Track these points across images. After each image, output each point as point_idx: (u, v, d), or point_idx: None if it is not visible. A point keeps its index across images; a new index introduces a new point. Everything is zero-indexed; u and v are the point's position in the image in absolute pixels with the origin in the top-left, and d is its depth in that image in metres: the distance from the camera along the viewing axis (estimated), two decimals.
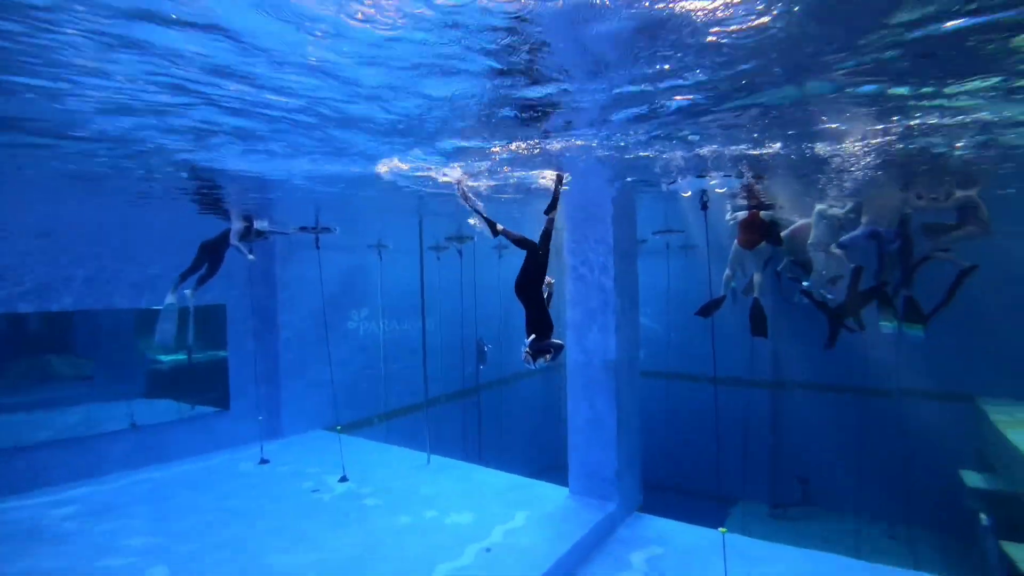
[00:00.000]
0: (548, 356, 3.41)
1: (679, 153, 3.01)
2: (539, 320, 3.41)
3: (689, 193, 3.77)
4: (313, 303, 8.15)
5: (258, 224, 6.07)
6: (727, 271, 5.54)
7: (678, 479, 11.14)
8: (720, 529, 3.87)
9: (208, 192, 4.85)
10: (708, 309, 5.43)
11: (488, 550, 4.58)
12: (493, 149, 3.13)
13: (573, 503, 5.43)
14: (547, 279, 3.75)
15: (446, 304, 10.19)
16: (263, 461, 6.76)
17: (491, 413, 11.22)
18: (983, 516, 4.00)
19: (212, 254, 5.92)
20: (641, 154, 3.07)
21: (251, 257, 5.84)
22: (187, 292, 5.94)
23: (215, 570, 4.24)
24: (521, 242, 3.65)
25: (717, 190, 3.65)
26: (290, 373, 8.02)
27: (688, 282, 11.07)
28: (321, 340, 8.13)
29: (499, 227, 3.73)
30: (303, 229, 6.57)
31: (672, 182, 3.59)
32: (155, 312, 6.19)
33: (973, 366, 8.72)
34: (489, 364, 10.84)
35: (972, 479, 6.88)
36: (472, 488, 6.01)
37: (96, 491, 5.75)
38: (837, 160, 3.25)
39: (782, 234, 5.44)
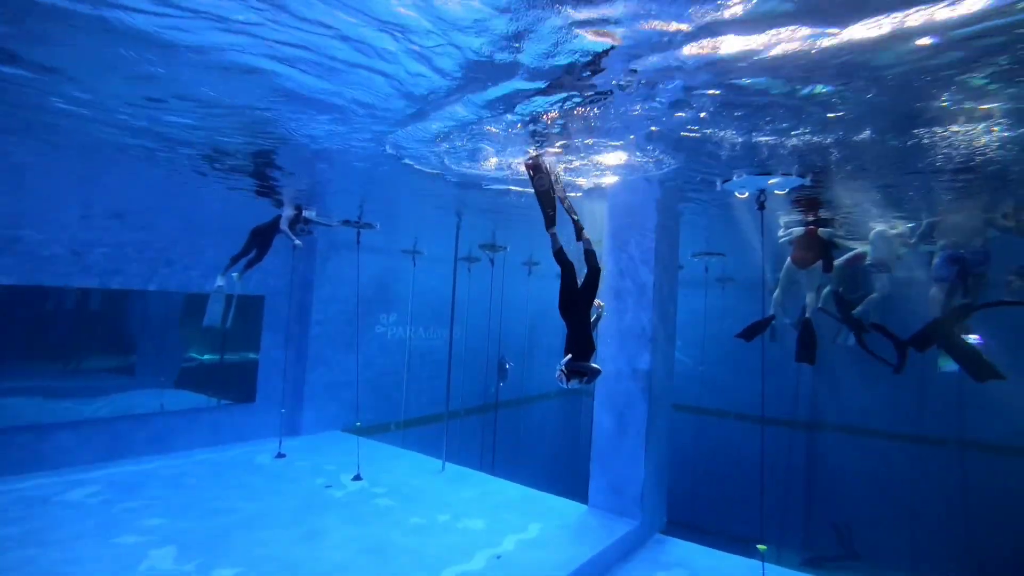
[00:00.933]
0: (584, 378, 3.32)
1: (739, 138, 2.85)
2: (581, 341, 3.33)
3: (746, 194, 3.65)
4: (345, 303, 8.35)
5: (306, 212, 6.32)
6: (777, 292, 5.32)
7: (702, 519, 10.43)
8: (759, 547, 3.55)
9: (268, 166, 5.02)
10: (753, 331, 5.14)
11: (499, 557, 4.37)
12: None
13: (592, 517, 5.14)
14: (597, 302, 3.68)
15: (472, 317, 10.20)
16: (280, 455, 6.75)
17: (507, 433, 10.92)
18: None
19: (262, 239, 6.18)
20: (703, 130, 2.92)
21: (298, 243, 6.06)
22: (235, 275, 6.18)
23: (223, 555, 4.19)
24: (590, 255, 3.53)
25: (776, 192, 3.52)
26: (315, 371, 8.11)
27: (724, 315, 10.78)
28: (349, 341, 8.25)
29: (585, 234, 3.57)
30: (346, 222, 6.78)
31: (727, 180, 3.51)
32: (202, 297, 6.41)
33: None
34: (510, 382, 10.67)
35: None
36: (486, 496, 5.80)
37: (116, 473, 5.81)
38: (943, 155, 2.99)
39: (836, 261, 5.18)
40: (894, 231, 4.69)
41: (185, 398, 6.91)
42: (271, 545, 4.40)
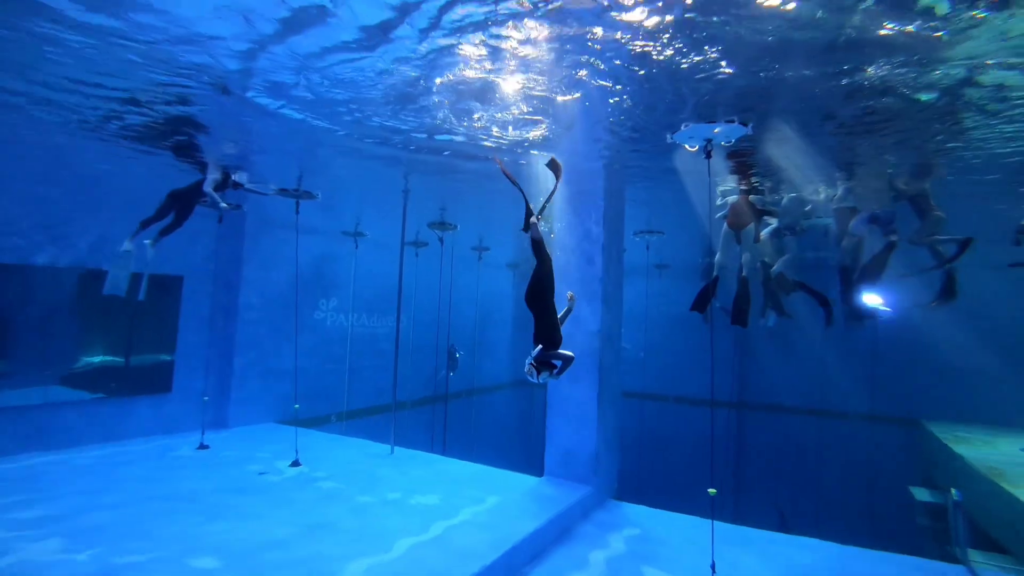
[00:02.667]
0: (554, 370, 3.29)
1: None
2: (549, 332, 3.29)
3: (696, 148, 3.82)
4: (280, 286, 7.73)
5: (236, 176, 5.78)
6: (718, 255, 5.65)
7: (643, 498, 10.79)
8: (710, 491, 3.67)
9: (190, 129, 4.58)
10: (704, 299, 5.39)
11: (454, 527, 4.18)
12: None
13: (548, 485, 5.08)
14: (569, 293, 3.70)
15: (421, 305, 9.89)
16: (202, 446, 6.05)
17: (458, 425, 10.66)
18: (954, 492, 4.01)
19: (181, 204, 5.52)
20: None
21: (225, 205, 5.49)
22: (147, 242, 5.48)
23: (125, 542, 3.63)
24: (538, 248, 3.41)
25: (723, 143, 3.73)
26: (245, 359, 7.40)
27: (662, 301, 11.31)
28: (284, 327, 7.63)
29: (533, 219, 3.42)
30: (283, 191, 6.26)
31: (675, 131, 3.67)
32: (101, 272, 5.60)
33: (917, 391, 9.25)
34: (460, 372, 10.45)
35: (922, 495, 7.15)
36: (440, 475, 5.56)
37: None
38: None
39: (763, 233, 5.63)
40: (817, 196, 5.19)
41: (80, 388, 5.99)
42: (189, 529, 3.87)
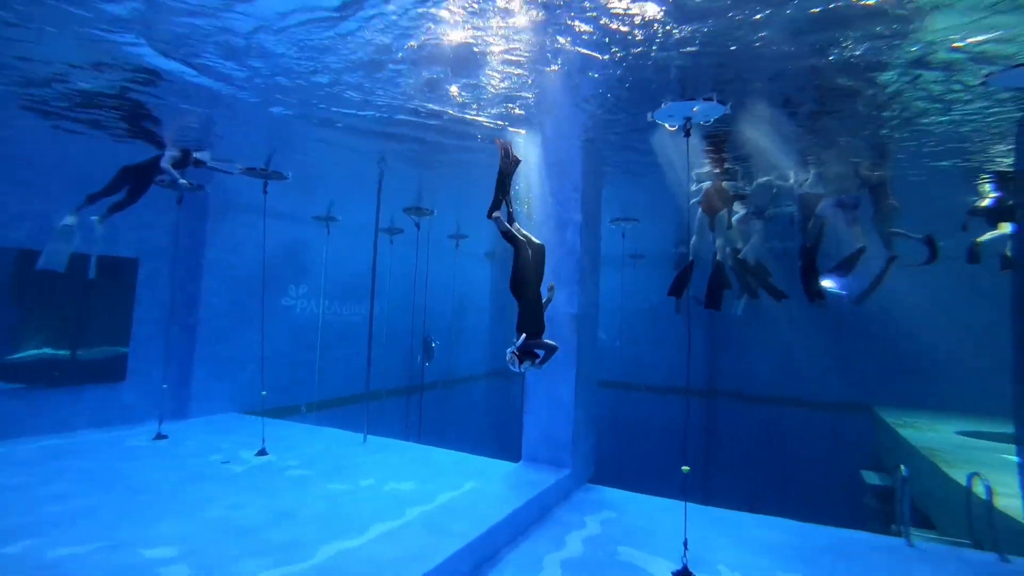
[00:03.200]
0: (536, 360, 3.25)
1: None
2: (533, 320, 3.26)
3: (675, 128, 3.86)
4: (245, 271, 7.38)
5: (199, 154, 5.45)
6: (694, 239, 5.74)
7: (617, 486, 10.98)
8: (684, 468, 3.72)
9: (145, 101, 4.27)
10: (680, 284, 5.47)
11: (432, 511, 4.08)
12: None
13: (526, 469, 5.05)
14: (550, 284, 3.67)
15: (396, 293, 9.66)
16: (160, 436, 5.72)
17: (434, 416, 10.52)
18: (902, 467, 4.21)
19: (135, 179, 5.16)
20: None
21: (184, 182, 5.17)
22: (95, 218, 5.09)
23: (54, 534, 3.38)
24: (509, 237, 3.43)
25: (701, 122, 3.77)
26: (208, 347, 7.05)
27: (637, 291, 11.47)
28: (250, 314, 7.30)
29: (496, 213, 3.47)
30: (250, 170, 5.94)
31: (655, 110, 3.67)
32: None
33: (869, 378, 9.74)
34: (436, 362, 10.30)
35: (871, 478, 7.58)
36: (415, 462, 5.45)
37: None
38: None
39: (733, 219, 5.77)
40: (785, 182, 5.34)
41: (21, 376, 5.52)
42: (142, 519, 3.64)
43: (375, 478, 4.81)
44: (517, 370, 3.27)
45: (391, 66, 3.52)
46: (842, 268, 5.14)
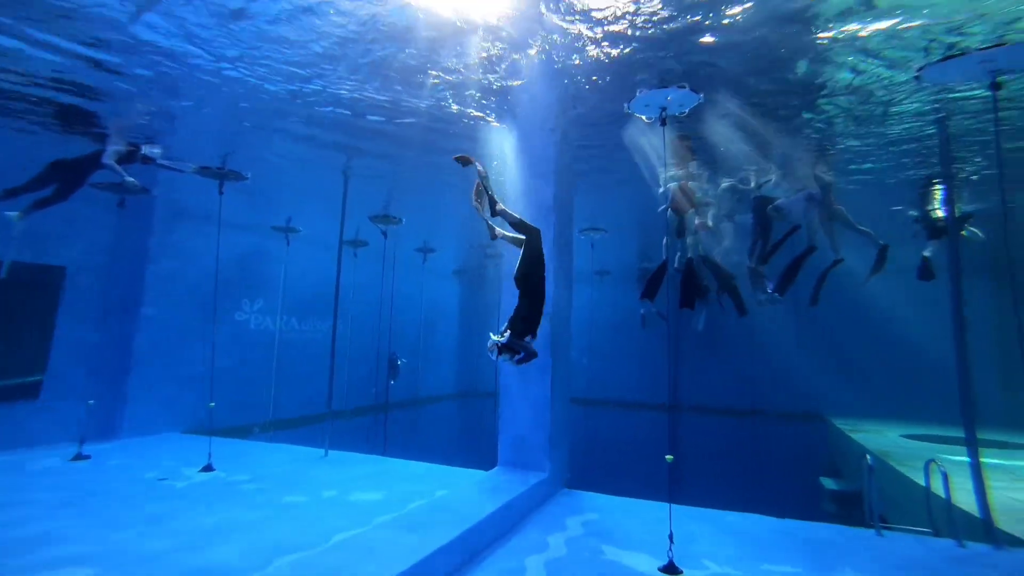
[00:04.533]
0: (514, 356, 3.15)
1: None
2: (528, 317, 3.16)
3: (652, 119, 3.98)
4: (192, 282, 6.85)
5: (148, 150, 5.09)
6: (666, 238, 5.87)
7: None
8: (667, 457, 3.64)
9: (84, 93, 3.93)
10: (654, 284, 5.53)
11: (403, 517, 3.75)
12: None
13: (502, 473, 4.78)
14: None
15: (359, 309, 9.27)
16: (80, 456, 5.00)
17: (399, 437, 9.97)
18: (869, 457, 4.34)
19: (66, 176, 4.68)
20: None
21: (130, 179, 4.78)
22: (12, 214, 4.57)
23: None
24: (520, 226, 3.34)
25: (676, 113, 3.90)
26: (146, 362, 6.40)
27: (604, 308, 11.58)
28: (197, 328, 6.75)
29: (499, 206, 3.35)
30: (204, 169, 5.59)
31: (631, 100, 3.77)
32: None
33: (824, 390, 10.18)
34: (401, 380, 9.84)
35: (829, 483, 7.92)
36: (383, 473, 5.05)
37: None
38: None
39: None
40: (745, 186, 5.62)
41: None
42: (46, 540, 3.09)
43: (338, 490, 4.41)
44: (493, 359, 3.15)
45: (362, 54, 3.44)
46: (790, 272, 5.42)
